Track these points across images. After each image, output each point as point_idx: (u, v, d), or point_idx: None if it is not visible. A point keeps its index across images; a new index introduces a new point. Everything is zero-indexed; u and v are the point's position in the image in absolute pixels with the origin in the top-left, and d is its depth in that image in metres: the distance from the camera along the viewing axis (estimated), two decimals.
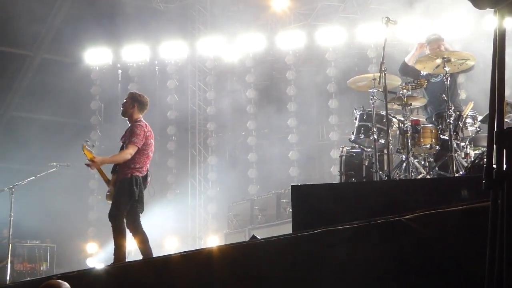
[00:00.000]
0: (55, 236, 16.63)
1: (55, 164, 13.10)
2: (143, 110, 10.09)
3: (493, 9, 2.93)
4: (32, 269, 15.47)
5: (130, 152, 9.46)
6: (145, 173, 9.74)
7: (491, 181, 2.82)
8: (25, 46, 18.79)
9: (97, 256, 16.41)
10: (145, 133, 9.66)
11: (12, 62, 18.75)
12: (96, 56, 18.56)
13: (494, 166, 2.83)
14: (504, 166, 2.79)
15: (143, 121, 9.86)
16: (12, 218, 12.27)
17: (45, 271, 15.39)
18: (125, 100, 10.15)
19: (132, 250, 15.82)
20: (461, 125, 8.81)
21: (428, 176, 8.88)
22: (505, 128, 2.82)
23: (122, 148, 9.75)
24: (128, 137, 9.61)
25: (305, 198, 6.90)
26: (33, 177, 12.95)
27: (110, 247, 15.87)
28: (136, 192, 9.36)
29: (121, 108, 10.09)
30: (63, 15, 18.42)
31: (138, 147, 9.54)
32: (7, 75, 18.87)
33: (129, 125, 9.86)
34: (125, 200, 9.31)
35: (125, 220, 9.31)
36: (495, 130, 2.84)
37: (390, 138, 9.12)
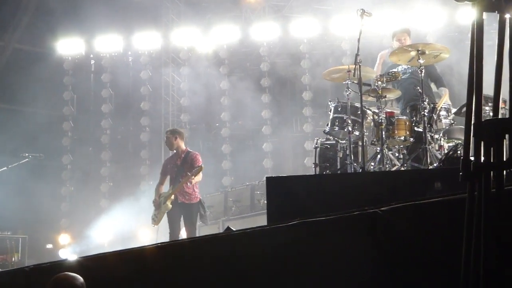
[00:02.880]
0: (27, 227, 16.49)
1: (27, 154, 13.00)
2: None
3: (470, 2, 2.94)
4: (3, 260, 15.33)
5: None
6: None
7: (469, 173, 2.83)
8: None
9: (69, 247, 16.31)
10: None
11: None
12: (68, 46, 18.40)
13: (471, 158, 2.84)
14: (482, 158, 2.80)
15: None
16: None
17: (16, 262, 15.25)
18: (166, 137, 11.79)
19: (106, 243, 15.81)
20: (435, 118, 8.87)
21: (402, 168, 8.91)
22: (482, 120, 2.83)
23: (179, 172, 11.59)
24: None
25: (280, 189, 6.91)
26: (5, 168, 12.83)
27: (83, 238, 15.86)
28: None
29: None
30: (35, 4, 18.25)
31: None
32: None
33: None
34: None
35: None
36: (473, 122, 2.85)
37: (365, 130, 9.13)
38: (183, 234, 11.52)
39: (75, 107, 18.76)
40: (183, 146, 11.70)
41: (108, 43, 18.21)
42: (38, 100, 18.29)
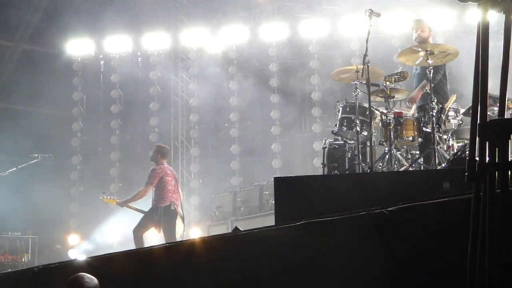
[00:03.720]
0: (37, 227, 16.56)
1: (36, 155, 13.05)
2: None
3: (476, 3, 2.94)
4: (13, 261, 15.41)
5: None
6: (168, 203, 12.17)
7: (474, 174, 2.83)
8: (6, 36, 18.67)
9: (78, 247, 16.36)
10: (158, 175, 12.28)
11: None
12: (78, 47, 18.47)
13: (477, 158, 2.84)
14: (487, 158, 2.80)
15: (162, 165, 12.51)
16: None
17: (26, 263, 15.32)
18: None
19: (115, 243, 15.85)
20: (443, 118, 8.86)
21: (410, 169, 8.90)
22: (487, 120, 2.84)
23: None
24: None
25: (288, 190, 6.91)
26: (15, 169, 12.88)
27: (92, 238, 15.89)
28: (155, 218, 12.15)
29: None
30: (45, 5, 18.31)
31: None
32: None
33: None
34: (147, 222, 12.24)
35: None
36: (478, 122, 2.85)
37: (373, 131, 9.14)
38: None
39: (84, 108, 18.81)
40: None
41: (117, 43, 18.27)
42: (48, 100, 18.35)
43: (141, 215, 12.23)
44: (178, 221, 12.35)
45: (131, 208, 12.53)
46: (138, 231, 12.13)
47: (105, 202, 12.92)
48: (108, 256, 6.72)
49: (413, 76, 10.13)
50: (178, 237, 12.20)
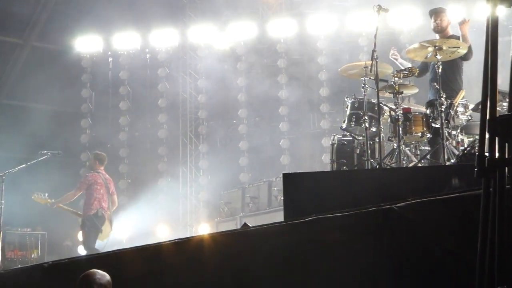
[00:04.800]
0: (46, 223, 16.59)
1: (46, 152, 13.08)
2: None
3: None
4: (23, 257, 15.45)
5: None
6: (95, 210, 12.97)
7: (483, 169, 2.83)
8: (15, 34, 18.69)
9: None
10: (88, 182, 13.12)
11: (2, 50, 18.67)
12: (86, 43, 18.49)
13: (486, 154, 2.84)
14: (496, 154, 2.80)
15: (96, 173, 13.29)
16: (3, 206, 12.26)
17: (36, 259, 15.37)
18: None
19: (124, 238, 15.88)
20: (452, 113, 8.83)
21: (419, 164, 8.89)
22: (497, 116, 2.83)
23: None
24: None
25: (297, 186, 6.92)
26: (24, 165, 12.92)
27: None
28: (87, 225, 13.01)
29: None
30: (54, 2, 18.33)
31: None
32: None
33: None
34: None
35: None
36: (487, 118, 2.85)
37: (382, 126, 9.13)
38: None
39: (93, 105, 18.84)
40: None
41: (125, 40, 18.28)
42: (56, 97, 18.39)
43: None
44: (106, 225, 13.12)
45: (63, 209, 13.25)
46: (90, 246, 12.88)
47: (36, 202, 13.27)
48: (117, 252, 6.75)
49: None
50: (105, 240, 13.06)
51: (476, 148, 7.99)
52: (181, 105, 18.58)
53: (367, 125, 9.12)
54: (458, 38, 9.64)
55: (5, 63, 18.98)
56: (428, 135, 9.06)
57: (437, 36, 9.95)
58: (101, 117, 19.09)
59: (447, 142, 8.60)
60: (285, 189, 7.06)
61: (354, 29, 16.58)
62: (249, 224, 6.68)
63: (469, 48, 9.52)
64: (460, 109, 8.99)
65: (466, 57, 9.64)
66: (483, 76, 2.90)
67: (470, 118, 9.05)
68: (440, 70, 8.87)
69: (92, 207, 12.95)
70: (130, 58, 18.49)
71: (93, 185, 13.04)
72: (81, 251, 15.11)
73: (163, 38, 18.11)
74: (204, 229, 16.01)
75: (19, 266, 14.02)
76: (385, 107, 9.31)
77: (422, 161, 9.03)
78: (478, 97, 9.17)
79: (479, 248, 2.82)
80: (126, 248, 6.93)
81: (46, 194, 13.03)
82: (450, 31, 10.17)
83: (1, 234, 12.30)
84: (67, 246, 17.06)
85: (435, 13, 10.18)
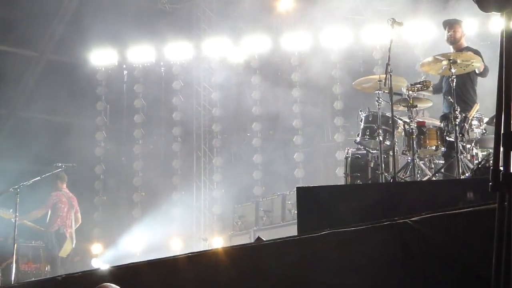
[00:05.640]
0: None
1: (60, 164, 13.13)
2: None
3: (499, 13, 2.93)
4: (37, 269, 15.44)
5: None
6: (57, 228, 13.65)
7: (498, 183, 2.81)
8: (31, 47, 18.80)
9: (102, 256, 16.42)
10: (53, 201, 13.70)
11: (18, 63, 18.75)
12: (101, 57, 18.58)
13: (501, 168, 2.83)
14: (511, 168, 2.78)
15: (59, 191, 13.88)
16: (17, 219, 12.31)
17: (49, 272, 15.35)
18: None
19: (138, 252, 15.90)
20: (467, 127, 8.80)
21: (434, 178, 8.86)
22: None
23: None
24: None
25: (311, 199, 6.91)
26: (38, 178, 12.95)
27: (115, 247, 15.97)
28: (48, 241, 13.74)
29: None
30: (69, 16, 18.43)
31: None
32: (13, 75, 18.86)
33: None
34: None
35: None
36: (502, 132, 2.83)
37: (396, 140, 9.13)
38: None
39: (108, 117, 18.90)
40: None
41: (140, 53, 18.36)
42: (72, 110, 18.47)
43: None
44: (67, 242, 13.72)
45: (27, 224, 13.55)
46: (53, 257, 13.69)
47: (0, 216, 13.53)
48: (131, 266, 6.74)
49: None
50: (65, 256, 13.81)
51: (491, 162, 7.98)
52: (195, 118, 18.62)
53: (381, 138, 9.12)
54: (472, 50, 9.61)
55: (21, 75, 19.08)
56: (443, 149, 9.05)
57: (451, 48, 9.93)
58: (116, 130, 19.15)
59: (462, 156, 8.57)
60: (299, 202, 7.05)
61: (368, 42, 16.59)
62: (262, 238, 6.67)
63: (485, 65, 9.49)
64: (475, 122, 8.97)
65: (483, 74, 9.62)
66: (497, 90, 2.88)
67: (484, 131, 9.03)
68: (454, 83, 8.84)
69: (54, 225, 13.64)
70: (145, 71, 18.57)
71: (57, 203, 13.72)
72: (95, 264, 15.16)
73: (178, 51, 18.17)
74: (217, 242, 15.99)
75: (33, 279, 14.03)
76: (399, 121, 9.31)
77: (437, 174, 9.01)
78: (492, 111, 9.19)
79: (494, 263, 2.80)
80: (139, 262, 6.92)
81: (11, 210, 12.98)
82: (465, 43, 10.14)
83: (15, 246, 12.33)
84: (77, 262, 17.09)
85: (449, 24, 10.17)
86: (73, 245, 13.89)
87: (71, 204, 13.87)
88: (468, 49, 9.70)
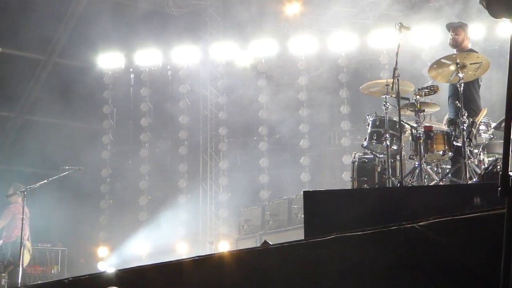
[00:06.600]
0: (67, 239, 16.65)
1: (67, 167, 13.13)
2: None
3: (509, 19, 2.93)
4: (43, 272, 15.48)
5: None
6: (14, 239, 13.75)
7: (507, 189, 2.80)
8: (38, 50, 18.83)
9: (108, 260, 16.44)
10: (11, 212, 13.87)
11: (25, 66, 18.79)
12: (109, 60, 18.61)
13: (510, 173, 2.81)
14: None
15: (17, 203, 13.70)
16: (24, 222, 12.34)
17: (56, 275, 15.39)
18: None
19: (144, 255, 15.91)
20: (474, 132, 8.77)
21: (441, 183, 8.83)
22: None
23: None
24: None
25: (317, 204, 6.89)
26: (45, 181, 12.97)
27: (121, 251, 15.97)
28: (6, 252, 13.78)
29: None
30: (76, 19, 18.47)
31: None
32: (20, 79, 18.92)
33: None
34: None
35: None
36: (511, 137, 2.82)
37: (403, 144, 9.11)
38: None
39: (114, 121, 18.92)
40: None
41: (147, 57, 18.38)
42: (78, 113, 18.51)
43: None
44: (25, 253, 13.45)
45: None
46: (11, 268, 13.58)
47: None
48: (137, 269, 6.74)
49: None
50: (24, 266, 13.59)
51: (499, 167, 7.96)
52: (202, 121, 18.63)
53: (388, 143, 9.10)
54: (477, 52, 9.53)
55: (28, 79, 19.12)
56: (450, 154, 9.02)
57: (454, 51, 9.86)
58: (122, 134, 19.17)
59: (469, 161, 8.54)
60: (306, 206, 7.03)
61: (376, 46, 16.59)
62: (269, 242, 6.66)
63: None
64: (482, 127, 8.94)
65: None
66: (507, 95, 2.87)
67: (492, 136, 9.00)
68: (461, 88, 8.81)
69: (12, 236, 13.81)
70: (152, 74, 18.59)
71: (16, 215, 13.73)
72: (101, 267, 15.17)
73: (185, 55, 18.18)
74: (223, 246, 15.98)
75: (40, 282, 14.06)
76: (407, 125, 9.29)
77: (444, 179, 8.98)
78: (499, 116, 9.17)
79: (503, 269, 2.79)
80: (146, 265, 6.92)
81: None
82: (469, 46, 10.08)
83: (22, 249, 12.36)
84: (82, 263, 17.12)
85: (452, 27, 10.14)
86: (30, 256, 14.12)
87: (26, 215, 13.60)
88: (471, 51, 9.63)
